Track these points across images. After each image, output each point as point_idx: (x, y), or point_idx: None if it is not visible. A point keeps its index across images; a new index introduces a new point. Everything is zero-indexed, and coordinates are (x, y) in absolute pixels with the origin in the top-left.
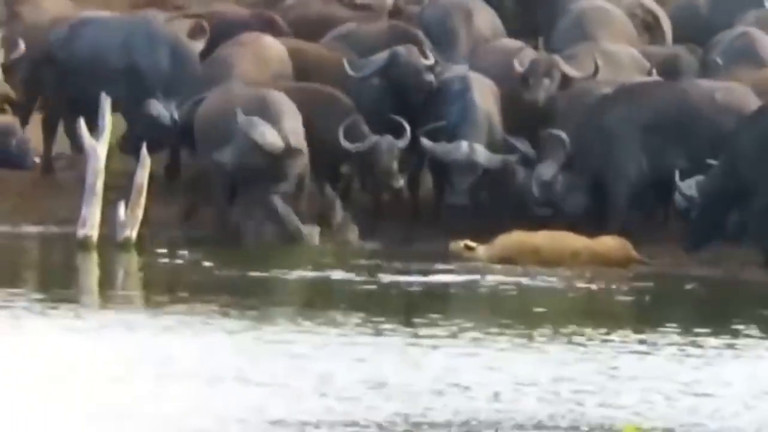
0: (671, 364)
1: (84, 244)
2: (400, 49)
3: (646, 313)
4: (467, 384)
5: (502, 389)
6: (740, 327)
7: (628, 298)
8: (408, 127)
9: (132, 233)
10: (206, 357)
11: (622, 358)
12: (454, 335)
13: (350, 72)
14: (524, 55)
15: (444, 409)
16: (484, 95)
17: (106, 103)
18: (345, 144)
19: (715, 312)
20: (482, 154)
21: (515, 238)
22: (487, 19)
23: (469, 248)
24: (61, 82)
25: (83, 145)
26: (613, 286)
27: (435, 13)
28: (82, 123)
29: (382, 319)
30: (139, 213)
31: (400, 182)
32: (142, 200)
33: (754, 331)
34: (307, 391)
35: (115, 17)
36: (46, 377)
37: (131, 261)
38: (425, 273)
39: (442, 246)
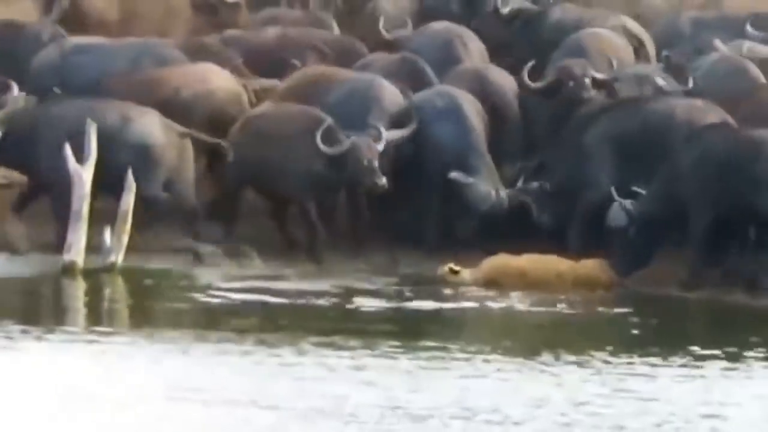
0: (682, 385)
1: (69, 270)
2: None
3: (648, 335)
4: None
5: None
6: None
7: (629, 320)
8: (384, 132)
9: (118, 258)
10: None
11: (631, 380)
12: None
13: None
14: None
15: None
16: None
17: (91, 128)
18: (324, 148)
19: (715, 332)
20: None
21: (500, 261)
22: (479, 48)
23: (454, 272)
24: None
25: (68, 170)
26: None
27: (430, 41)
28: (67, 148)
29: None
30: (125, 239)
31: (383, 180)
32: (128, 226)
33: (751, 352)
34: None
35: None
36: (63, 401)
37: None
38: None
39: (428, 269)
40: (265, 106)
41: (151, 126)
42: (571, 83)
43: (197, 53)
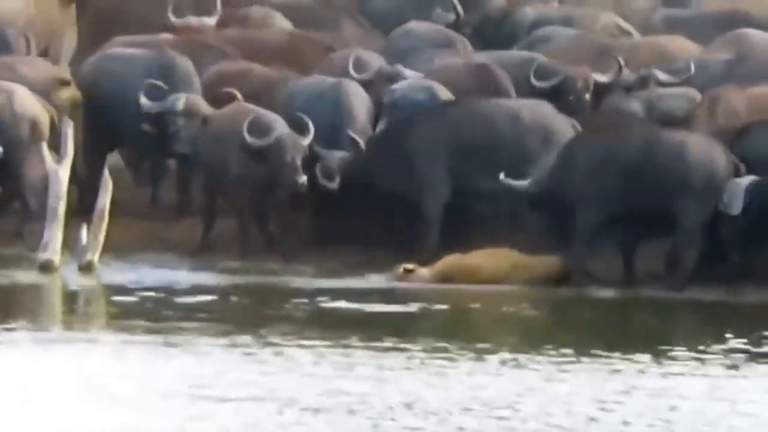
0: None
1: (45, 268)
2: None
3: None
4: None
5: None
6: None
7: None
8: (311, 126)
9: (94, 257)
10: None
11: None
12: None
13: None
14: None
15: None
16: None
17: (68, 128)
18: (249, 140)
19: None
20: None
21: (455, 259)
22: None
23: (408, 271)
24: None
25: (45, 168)
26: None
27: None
28: (44, 147)
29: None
30: (101, 237)
31: (303, 178)
32: (104, 224)
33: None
34: None
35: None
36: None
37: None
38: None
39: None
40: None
41: None
42: (572, 96)
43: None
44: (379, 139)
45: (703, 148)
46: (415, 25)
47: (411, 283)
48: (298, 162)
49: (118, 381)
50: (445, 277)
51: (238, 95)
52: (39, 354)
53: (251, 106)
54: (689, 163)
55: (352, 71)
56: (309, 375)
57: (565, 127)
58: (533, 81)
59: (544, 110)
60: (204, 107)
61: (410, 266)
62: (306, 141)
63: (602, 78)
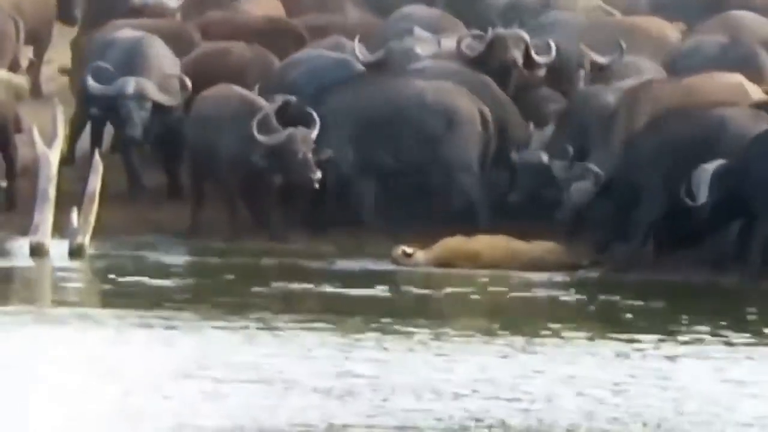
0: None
1: (36, 251)
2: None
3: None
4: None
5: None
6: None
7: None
8: (317, 118)
9: (85, 240)
10: None
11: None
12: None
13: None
14: None
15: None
16: None
17: (58, 110)
18: (260, 138)
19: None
20: None
21: (454, 243)
22: None
23: (407, 254)
24: None
25: (36, 151)
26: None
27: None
28: (34, 130)
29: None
30: (92, 219)
31: (318, 174)
32: (95, 207)
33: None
34: None
35: None
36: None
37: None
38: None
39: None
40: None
41: None
42: (500, 61)
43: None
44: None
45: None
46: (413, 9)
47: (409, 265)
48: (310, 157)
49: (124, 362)
50: (444, 261)
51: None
52: (42, 335)
53: (237, 88)
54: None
55: (358, 53)
56: (314, 357)
57: (470, 109)
58: (463, 50)
59: (448, 90)
60: (153, 92)
61: (409, 249)
62: (313, 134)
63: (601, 59)
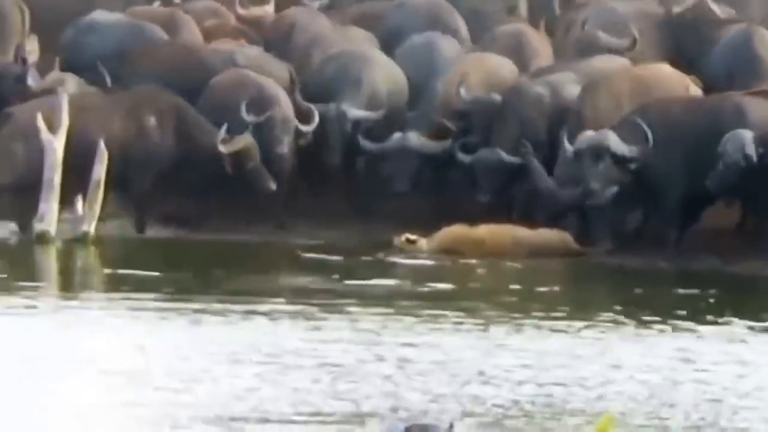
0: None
1: (41, 239)
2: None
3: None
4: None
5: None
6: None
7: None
8: (316, 113)
9: (90, 228)
10: None
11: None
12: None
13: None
14: None
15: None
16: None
17: (63, 99)
18: (246, 117)
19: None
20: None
21: (458, 231)
22: None
23: (410, 242)
24: None
25: (41, 139)
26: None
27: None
28: (39, 117)
29: None
30: (97, 208)
31: (284, 150)
32: (100, 195)
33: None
34: None
35: None
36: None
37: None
38: None
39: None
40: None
41: None
42: None
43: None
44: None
45: None
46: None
47: (413, 253)
48: (285, 138)
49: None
50: (447, 249)
51: None
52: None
53: (252, 75)
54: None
55: None
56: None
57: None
58: None
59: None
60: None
61: (413, 237)
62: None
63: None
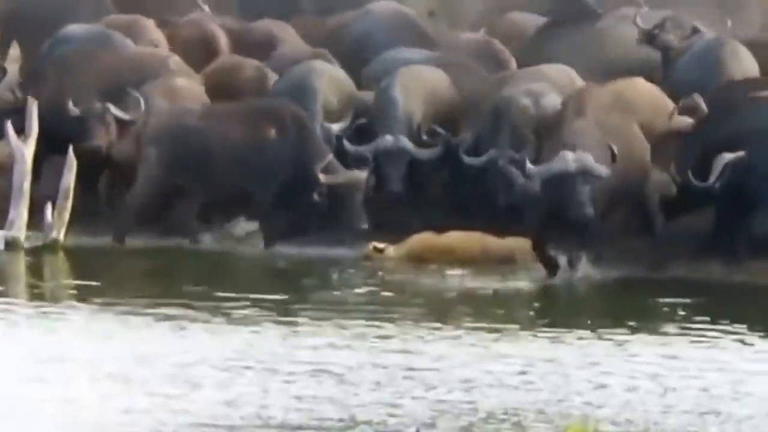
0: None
1: (11, 246)
2: None
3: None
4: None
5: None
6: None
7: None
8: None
9: (59, 235)
10: None
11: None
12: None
13: None
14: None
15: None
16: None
17: (33, 106)
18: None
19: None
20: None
21: (426, 239)
22: None
23: (378, 250)
24: None
25: (11, 147)
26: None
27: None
28: (9, 125)
29: None
30: (66, 215)
31: None
32: (69, 203)
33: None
34: None
35: None
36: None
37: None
38: None
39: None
40: None
41: None
42: None
43: None
44: None
45: None
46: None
47: (380, 261)
48: None
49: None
50: (416, 257)
51: None
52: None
53: None
54: None
55: None
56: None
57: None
58: None
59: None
60: None
61: (380, 245)
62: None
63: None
